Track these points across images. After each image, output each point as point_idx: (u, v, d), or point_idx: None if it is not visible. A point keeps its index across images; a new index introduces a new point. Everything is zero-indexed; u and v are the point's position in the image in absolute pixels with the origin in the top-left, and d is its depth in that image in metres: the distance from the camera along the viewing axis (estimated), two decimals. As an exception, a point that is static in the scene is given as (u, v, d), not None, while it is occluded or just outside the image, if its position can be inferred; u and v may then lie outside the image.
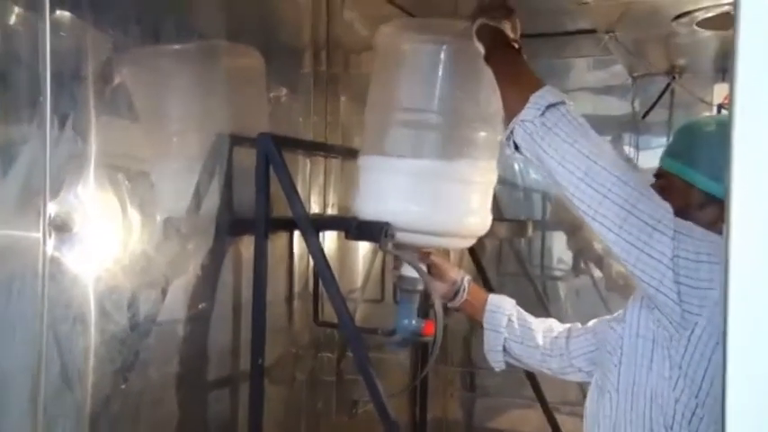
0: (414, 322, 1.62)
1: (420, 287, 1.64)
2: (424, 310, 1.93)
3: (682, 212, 1.20)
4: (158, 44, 1.42)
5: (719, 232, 1.18)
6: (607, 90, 2.61)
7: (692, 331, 1.14)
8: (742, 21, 0.62)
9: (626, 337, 1.26)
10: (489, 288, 2.05)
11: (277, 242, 1.79)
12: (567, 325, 1.60)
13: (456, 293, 1.70)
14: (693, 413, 1.16)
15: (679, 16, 1.68)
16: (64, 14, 1.21)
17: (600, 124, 2.62)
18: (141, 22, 1.37)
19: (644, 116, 2.43)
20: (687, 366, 1.15)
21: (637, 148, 2.47)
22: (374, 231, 1.52)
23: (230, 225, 1.60)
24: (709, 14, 1.65)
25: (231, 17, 1.62)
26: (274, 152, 1.52)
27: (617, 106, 2.55)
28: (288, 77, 1.86)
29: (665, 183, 1.32)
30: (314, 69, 1.96)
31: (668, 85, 2.35)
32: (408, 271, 1.62)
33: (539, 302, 2.55)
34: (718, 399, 0.66)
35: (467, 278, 1.73)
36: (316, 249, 1.54)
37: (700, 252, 1.13)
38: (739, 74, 0.63)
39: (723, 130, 1.23)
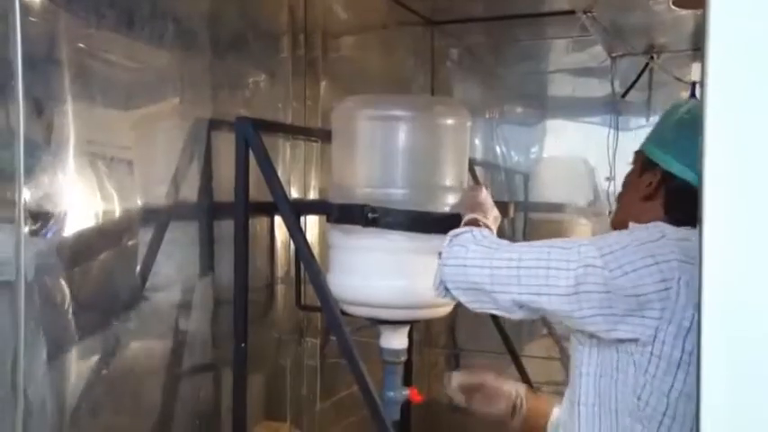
0: (399, 393, 1.64)
1: (403, 358, 1.65)
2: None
3: (630, 183, 1.32)
4: (133, 28, 1.40)
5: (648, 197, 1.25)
6: (586, 71, 2.61)
7: (655, 337, 1.12)
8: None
9: (587, 346, 1.23)
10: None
11: (260, 227, 1.79)
12: None
13: (513, 409, 1.54)
14: (661, 422, 1.14)
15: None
16: (35, -1, 1.19)
17: (580, 105, 2.66)
18: (115, 6, 1.35)
19: (623, 96, 2.44)
20: (655, 370, 1.13)
21: (617, 128, 2.48)
22: (355, 214, 1.51)
23: (211, 209, 1.59)
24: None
25: (208, 1, 1.61)
26: (253, 136, 1.51)
27: (597, 87, 2.55)
28: (266, 62, 1.85)
29: (634, 160, 1.36)
30: (292, 53, 1.95)
31: (647, 64, 2.35)
32: (389, 342, 1.62)
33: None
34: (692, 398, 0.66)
35: (522, 392, 1.56)
36: (296, 233, 1.54)
37: (630, 262, 1.12)
38: (711, 56, 0.64)
39: (677, 113, 1.29)
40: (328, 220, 1.63)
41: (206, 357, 1.61)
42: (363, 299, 1.56)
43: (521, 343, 2.21)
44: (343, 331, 1.50)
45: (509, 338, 2.14)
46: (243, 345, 1.53)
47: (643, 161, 1.32)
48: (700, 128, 0.65)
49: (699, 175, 0.65)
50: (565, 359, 2.03)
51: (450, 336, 2.74)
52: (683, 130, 1.26)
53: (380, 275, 1.55)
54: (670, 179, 1.25)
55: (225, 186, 1.60)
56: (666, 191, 1.26)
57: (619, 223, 1.36)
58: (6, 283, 1.17)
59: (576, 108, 2.67)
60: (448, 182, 1.59)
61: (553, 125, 2.72)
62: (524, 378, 2.17)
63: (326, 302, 1.52)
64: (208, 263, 1.61)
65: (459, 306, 1.88)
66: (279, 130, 1.84)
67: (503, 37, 2.65)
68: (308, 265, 1.55)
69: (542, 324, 2.10)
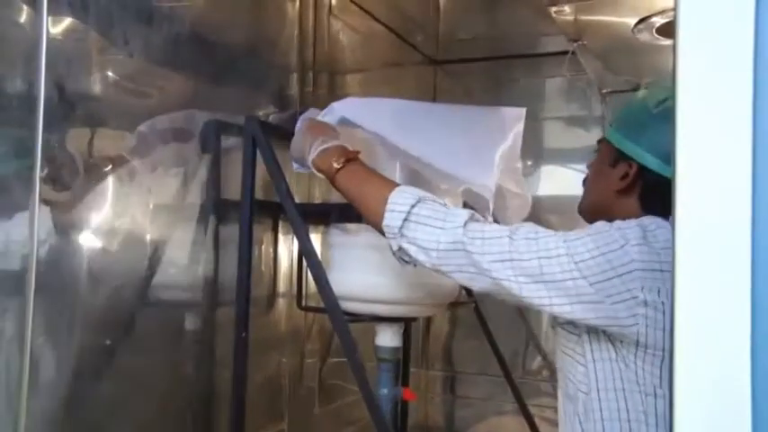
0: (393, 391, 1.67)
1: (399, 356, 1.70)
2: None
3: (600, 172, 1.33)
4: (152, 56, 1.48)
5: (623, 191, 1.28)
6: (580, 120, 2.69)
7: (637, 339, 1.16)
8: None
9: (584, 335, 1.25)
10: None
11: (262, 235, 1.85)
12: None
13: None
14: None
15: (639, 22, 1.80)
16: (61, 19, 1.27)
17: (573, 151, 2.72)
18: (136, 35, 1.43)
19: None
20: (642, 363, 1.18)
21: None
22: (354, 212, 1.58)
23: (217, 208, 1.65)
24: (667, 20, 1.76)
25: (220, 37, 1.70)
26: (260, 134, 1.59)
27: (589, 136, 2.62)
28: (275, 98, 1.94)
29: (599, 148, 1.39)
30: (300, 90, 2.04)
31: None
32: (385, 340, 1.67)
33: (519, 317, 2.59)
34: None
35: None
36: (299, 228, 1.57)
37: (598, 246, 1.15)
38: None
39: (644, 103, 1.30)
40: (330, 222, 1.70)
41: (209, 353, 1.64)
42: (360, 295, 1.60)
43: (517, 365, 2.22)
44: (347, 331, 1.50)
45: (505, 361, 2.16)
46: (243, 334, 1.56)
47: (614, 151, 1.32)
48: (672, 125, 0.67)
49: (672, 171, 0.67)
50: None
51: (446, 358, 2.74)
52: (655, 121, 1.26)
53: (378, 272, 1.59)
54: (647, 172, 1.26)
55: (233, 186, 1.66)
56: (644, 185, 1.28)
57: (586, 212, 1.39)
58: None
59: (568, 153, 2.73)
60: (443, 186, 1.65)
61: (547, 170, 2.78)
62: (520, 401, 2.18)
63: (327, 297, 1.53)
64: (214, 262, 1.66)
65: (454, 329, 1.93)
66: (284, 133, 1.88)
67: (500, 78, 2.77)
68: (310, 261, 1.57)
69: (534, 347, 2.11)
